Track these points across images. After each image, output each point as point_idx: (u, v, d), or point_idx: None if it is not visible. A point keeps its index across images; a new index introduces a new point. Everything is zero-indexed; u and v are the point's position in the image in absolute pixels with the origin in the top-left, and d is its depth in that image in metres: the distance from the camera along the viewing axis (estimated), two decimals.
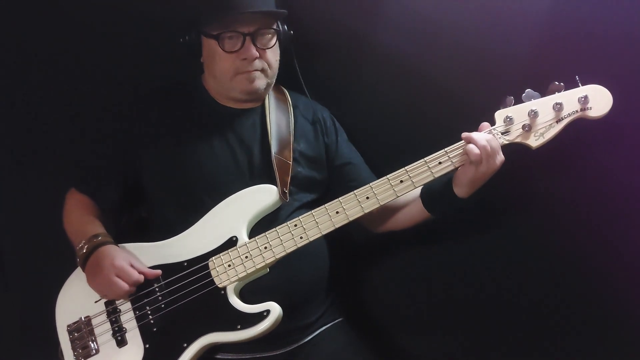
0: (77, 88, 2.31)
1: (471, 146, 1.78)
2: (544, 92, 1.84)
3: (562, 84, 1.82)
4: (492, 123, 1.85)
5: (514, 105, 1.84)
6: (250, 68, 1.94)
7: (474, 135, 1.80)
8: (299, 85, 2.09)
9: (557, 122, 1.81)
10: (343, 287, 2.15)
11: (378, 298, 2.36)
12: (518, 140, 1.83)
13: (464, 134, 1.81)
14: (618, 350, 2.10)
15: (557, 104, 1.80)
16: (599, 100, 1.79)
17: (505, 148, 1.83)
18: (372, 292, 2.37)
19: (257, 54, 1.92)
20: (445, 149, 1.84)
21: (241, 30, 1.90)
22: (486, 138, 1.79)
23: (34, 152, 2.34)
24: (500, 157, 1.81)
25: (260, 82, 1.97)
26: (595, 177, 2.04)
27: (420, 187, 1.92)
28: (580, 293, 2.11)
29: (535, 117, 1.81)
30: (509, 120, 1.82)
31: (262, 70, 1.96)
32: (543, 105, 1.81)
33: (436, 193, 1.95)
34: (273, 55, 1.98)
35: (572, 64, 1.94)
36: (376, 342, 2.16)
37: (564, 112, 1.81)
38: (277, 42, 1.98)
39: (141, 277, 1.87)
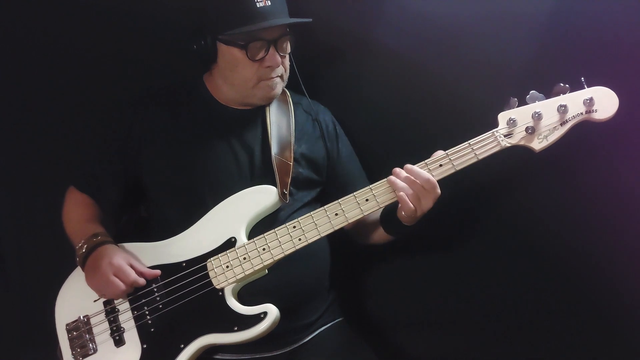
0: (78, 87, 2.31)
1: (401, 197, 1.77)
2: (548, 93, 1.81)
3: (567, 85, 1.79)
4: (495, 125, 1.82)
5: (517, 107, 1.81)
6: (273, 75, 1.94)
7: (397, 182, 1.78)
8: (298, 87, 2.09)
9: (561, 124, 1.78)
10: (343, 287, 2.14)
11: (378, 298, 2.35)
12: (521, 143, 1.79)
13: (390, 179, 1.81)
14: (618, 351, 2.07)
15: (561, 106, 1.77)
16: (604, 102, 1.76)
17: (508, 151, 1.80)
18: (372, 292, 2.36)
19: (280, 61, 1.93)
20: (447, 152, 1.81)
21: (267, 37, 1.89)
22: (414, 188, 1.77)
23: (34, 152, 2.34)
24: (434, 195, 1.78)
25: (279, 88, 1.99)
26: (600, 181, 2.00)
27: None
28: (581, 294, 2.09)
29: (539, 120, 1.78)
30: (512, 123, 1.79)
31: (281, 76, 1.98)
32: (547, 107, 1.78)
33: (388, 218, 1.95)
34: (287, 60, 1.99)
35: (577, 66, 1.91)
36: (376, 342, 2.14)
37: (569, 115, 1.77)
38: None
39: (138, 278, 1.86)
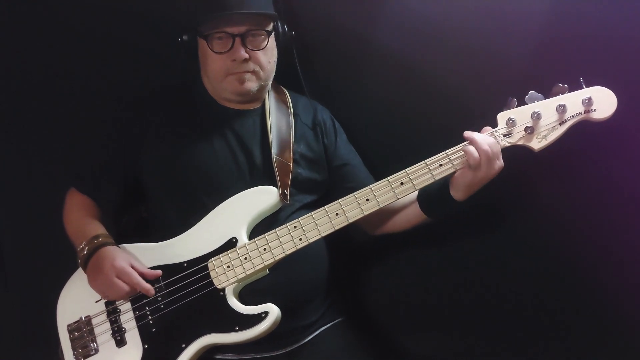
0: (77, 88, 2.30)
1: (471, 149, 1.77)
2: (547, 93, 1.82)
3: (565, 85, 1.80)
4: (494, 125, 1.83)
5: (516, 107, 1.82)
6: (240, 69, 1.93)
7: (477, 136, 1.78)
8: (299, 86, 2.08)
9: (560, 124, 1.80)
10: (343, 287, 2.15)
11: (378, 298, 2.35)
12: (520, 142, 1.81)
13: (467, 133, 1.79)
14: (618, 352, 2.08)
15: (560, 105, 1.78)
16: (603, 102, 1.77)
17: (507, 150, 1.81)
18: (372, 292, 2.36)
19: (246, 55, 1.90)
20: (447, 151, 1.83)
21: (230, 31, 1.89)
22: (488, 142, 1.77)
23: (34, 152, 2.34)
24: (500, 163, 1.79)
25: (252, 83, 1.96)
26: (598, 180, 2.01)
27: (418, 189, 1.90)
28: (580, 295, 2.09)
29: (538, 119, 1.79)
30: (511, 122, 1.81)
31: (254, 72, 1.94)
32: (546, 107, 1.80)
33: (433, 196, 1.94)
34: (265, 57, 1.96)
35: (576, 66, 1.92)
36: (376, 342, 2.15)
37: (568, 114, 1.79)
38: (275, 43, 1.98)
39: (141, 280, 1.86)
